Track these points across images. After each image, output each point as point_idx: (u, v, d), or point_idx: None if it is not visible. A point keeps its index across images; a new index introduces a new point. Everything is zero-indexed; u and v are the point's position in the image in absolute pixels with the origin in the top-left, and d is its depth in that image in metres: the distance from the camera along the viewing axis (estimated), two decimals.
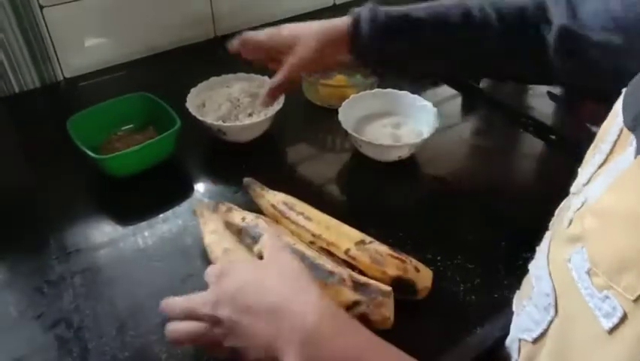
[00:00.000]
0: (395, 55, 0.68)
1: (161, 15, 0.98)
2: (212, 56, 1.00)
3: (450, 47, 0.66)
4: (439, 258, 0.62)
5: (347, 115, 0.77)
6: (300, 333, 0.42)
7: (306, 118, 0.88)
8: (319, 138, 0.82)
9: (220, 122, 0.75)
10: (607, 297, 0.31)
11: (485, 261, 0.62)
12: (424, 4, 0.67)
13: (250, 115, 0.78)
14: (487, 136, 0.84)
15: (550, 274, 0.40)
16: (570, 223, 0.37)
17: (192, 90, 0.80)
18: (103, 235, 0.67)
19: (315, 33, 0.68)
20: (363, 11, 0.66)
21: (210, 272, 0.50)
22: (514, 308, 0.50)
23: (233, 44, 0.75)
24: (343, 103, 0.78)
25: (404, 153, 0.75)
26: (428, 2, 0.67)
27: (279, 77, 0.71)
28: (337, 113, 0.76)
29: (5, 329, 0.56)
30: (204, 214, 0.63)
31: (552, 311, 0.39)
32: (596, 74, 0.60)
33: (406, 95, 0.81)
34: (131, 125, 0.78)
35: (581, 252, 0.34)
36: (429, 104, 0.78)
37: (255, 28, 1.07)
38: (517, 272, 0.60)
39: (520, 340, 0.45)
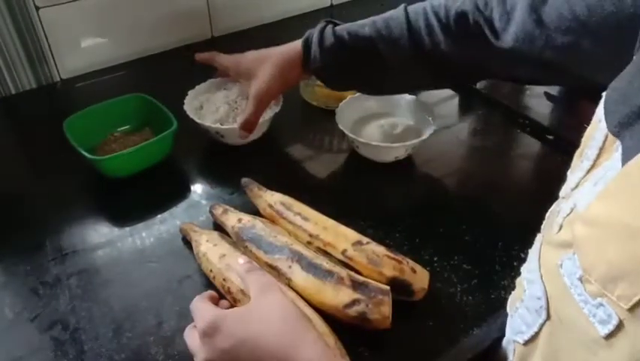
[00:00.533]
0: (350, 73, 0.69)
1: (157, 16, 0.98)
2: None
3: (399, 62, 0.65)
4: (435, 259, 0.62)
5: (344, 116, 0.77)
6: None
7: (304, 119, 0.87)
8: (316, 139, 0.82)
9: (218, 125, 0.75)
10: (601, 304, 0.31)
11: (482, 262, 0.62)
12: (371, 18, 0.67)
13: None
14: (484, 136, 0.84)
15: (541, 278, 0.40)
16: (560, 228, 0.38)
17: (190, 93, 0.79)
18: (99, 236, 0.66)
19: (274, 59, 0.71)
20: (314, 32, 0.68)
21: (200, 328, 0.45)
22: (508, 310, 0.50)
23: (201, 57, 0.79)
24: (340, 104, 0.78)
25: (401, 154, 0.75)
26: (375, 17, 0.67)
27: (247, 112, 0.71)
28: (334, 114, 0.76)
29: (1, 331, 0.56)
30: (194, 229, 0.63)
31: (544, 314, 0.39)
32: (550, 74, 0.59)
33: (402, 96, 0.81)
34: (127, 126, 0.78)
35: (572, 258, 0.34)
36: (426, 105, 0.78)
37: (251, 30, 1.09)
38: (513, 273, 0.60)
39: (514, 341, 0.46)
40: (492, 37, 0.59)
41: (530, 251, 0.45)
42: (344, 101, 0.79)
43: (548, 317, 0.39)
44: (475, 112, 0.90)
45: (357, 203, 0.71)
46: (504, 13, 0.58)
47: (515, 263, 0.61)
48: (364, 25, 0.66)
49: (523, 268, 0.46)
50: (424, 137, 0.74)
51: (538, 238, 0.45)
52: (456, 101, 0.93)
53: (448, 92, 0.93)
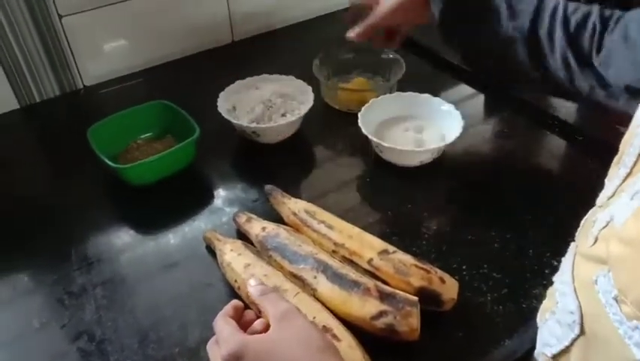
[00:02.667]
0: (463, 23, 0.69)
1: (179, 22, 0.97)
2: (230, 61, 1.00)
3: (511, 30, 0.66)
4: (464, 267, 0.61)
5: (367, 119, 0.75)
6: None
7: (326, 124, 0.86)
8: (339, 144, 0.81)
9: (255, 125, 0.75)
10: (637, 327, 0.30)
11: (512, 270, 0.61)
12: None
13: (283, 115, 0.78)
14: (511, 138, 0.82)
15: (575, 291, 0.38)
16: (595, 241, 0.36)
17: (220, 95, 0.80)
18: (123, 244, 0.66)
19: None
20: None
21: (223, 355, 0.43)
22: (537, 320, 0.48)
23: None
24: (363, 107, 0.77)
25: (426, 158, 0.73)
26: None
27: (368, 21, 0.76)
28: (357, 117, 0.75)
29: (28, 341, 0.56)
30: (218, 238, 0.63)
31: (577, 329, 0.38)
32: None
33: (427, 98, 0.79)
34: (150, 133, 0.78)
35: (607, 276, 0.33)
36: (452, 107, 0.77)
37: (272, 33, 1.08)
38: (545, 281, 0.59)
39: (542, 354, 0.44)
40: (595, 52, 0.61)
41: (563, 260, 0.44)
42: (367, 105, 0.77)
43: (582, 332, 0.37)
44: (501, 112, 0.88)
45: (382, 210, 0.70)
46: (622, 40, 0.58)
47: (547, 271, 0.60)
48: None
49: (556, 278, 0.44)
50: (450, 141, 0.72)
51: (572, 247, 0.43)
52: (480, 99, 0.91)
53: (472, 91, 0.91)
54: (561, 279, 0.42)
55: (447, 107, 0.77)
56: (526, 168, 0.77)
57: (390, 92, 0.85)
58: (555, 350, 0.41)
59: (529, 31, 0.64)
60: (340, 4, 1.15)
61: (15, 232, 0.69)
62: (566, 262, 0.42)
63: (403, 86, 0.84)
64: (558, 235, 0.62)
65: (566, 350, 0.39)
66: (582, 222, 0.44)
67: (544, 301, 0.47)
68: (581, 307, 0.37)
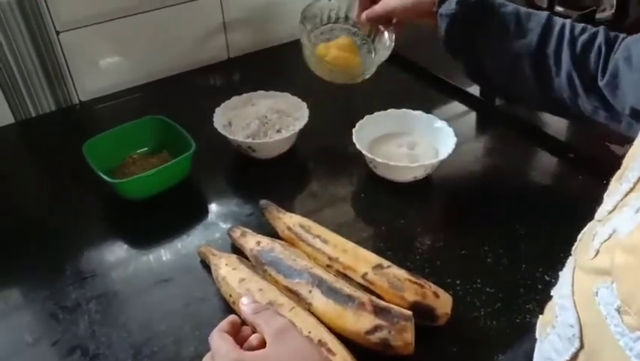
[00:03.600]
0: (470, 33, 0.68)
1: (175, 38, 0.98)
2: (226, 77, 1.01)
3: (519, 49, 0.66)
4: (457, 282, 0.61)
5: (361, 135, 0.76)
6: None
7: (321, 140, 0.86)
8: (334, 160, 0.82)
9: (250, 140, 0.76)
10: (635, 341, 0.30)
11: (505, 285, 0.61)
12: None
13: (279, 131, 0.79)
14: (503, 154, 0.83)
15: (575, 305, 0.39)
16: (596, 254, 0.36)
17: (217, 110, 0.80)
18: (118, 259, 0.66)
19: None
20: None
21: None
22: (537, 335, 0.48)
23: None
24: (358, 123, 0.77)
25: (420, 174, 0.74)
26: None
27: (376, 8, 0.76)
28: (352, 133, 0.76)
29: (20, 356, 0.56)
30: (213, 252, 0.63)
31: (577, 343, 0.38)
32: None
33: (420, 114, 0.80)
34: (145, 149, 0.79)
35: (610, 287, 0.33)
36: (444, 124, 0.78)
37: (267, 50, 1.09)
38: (538, 296, 0.59)
39: None
40: (600, 74, 0.61)
41: (562, 274, 0.44)
42: (361, 121, 0.78)
43: (582, 346, 0.37)
44: (493, 129, 0.89)
45: (376, 224, 0.70)
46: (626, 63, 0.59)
47: (540, 286, 0.60)
48: (507, 3, 0.68)
49: (555, 293, 0.45)
50: (443, 157, 0.73)
51: (571, 261, 0.44)
52: (473, 116, 0.92)
53: (464, 108, 0.92)
54: (560, 293, 0.42)
55: (440, 123, 0.78)
56: (517, 183, 0.78)
57: (374, 51, 0.83)
58: None
59: (536, 50, 0.65)
60: None
61: (9, 246, 0.69)
62: (565, 275, 0.43)
63: (397, 103, 0.84)
64: (550, 250, 0.64)
65: None
66: (580, 236, 0.44)
67: (542, 316, 0.48)
68: (580, 320, 0.38)
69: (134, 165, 0.76)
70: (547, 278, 0.60)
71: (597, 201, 0.42)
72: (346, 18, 0.86)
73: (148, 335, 0.57)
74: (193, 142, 0.72)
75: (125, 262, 0.66)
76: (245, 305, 0.48)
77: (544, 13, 0.67)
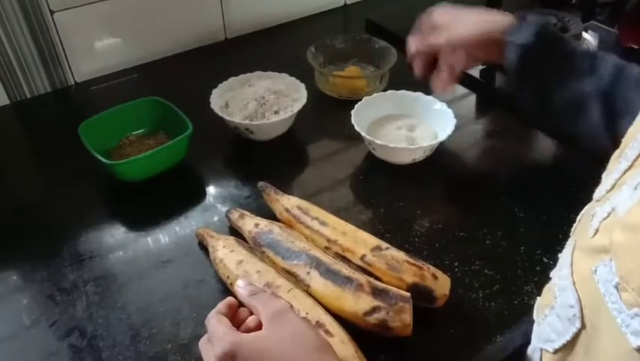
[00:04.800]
0: (540, 69, 0.65)
1: (171, 18, 0.97)
2: (223, 58, 1.00)
3: (589, 84, 0.63)
4: (456, 264, 0.61)
5: (360, 117, 0.75)
6: None
7: (319, 121, 0.86)
8: (332, 142, 0.81)
9: (248, 121, 0.75)
10: (637, 315, 0.30)
11: (504, 267, 0.61)
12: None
13: (276, 112, 0.78)
14: (502, 137, 0.82)
15: (574, 284, 0.39)
16: (595, 233, 0.36)
17: (214, 91, 0.79)
18: (115, 240, 0.66)
19: (478, 16, 0.69)
20: (530, 15, 0.66)
21: (217, 355, 0.42)
22: (534, 317, 0.48)
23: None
24: (356, 105, 0.77)
25: (419, 156, 0.73)
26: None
27: (456, 64, 0.69)
28: (351, 108, 0.75)
29: (18, 338, 0.56)
30: (211, 234, 0.62)
31: (578, 323, 0.38)
32: None
33: (420, 96, 0.79)
34: (142, 130, 0.78)
35: (608, 265, 0.33)
36: (444, 106, 0.77)
37: (265, 31, 1.08)
38: (536, 278, 0.59)
39: (541, 350, 0.44)
40: None
41: (561, 256, 0.44)
42: (360, 103, 0.78)
43: (583, 325, 0.37)
44: (492, 111, 0.88)
45: (374, 207, 0.70)
46: None
47: (538, 268, 0.60)
48: (579, 43, 0.66)
49: (554, 274, 0.45)
50: (442, 139, 0.72)
51: (570, 242, 0.43)
52: (472, 99, 0.91)
53: (464, 90, 0.92)
54: (559, 274, 0.42)
55: (439, 105, 0.78)
56: (516, 166, 0.78)
57: (381, 82, 0.87)
58: (557, 344, 0.41)
59: (607, 89, 0.62)
60: (333, 3, 1.15)
61: (5, 228, 0.68)
62: (564, 257, 0.43)
63: (396, 84, 0.84)
64: (549, 233, 0.64)
65: (568, 345, 0.39)
66: (579, 217, 0.44)
67: (539, 298, 0.48)
68: (580, 300, 0.38)
69: (131, 147, 0.75)
70: (545, 260, 0.60)
71: (596, 183, 0.42)
72: None
73: (146, 316, 0.57)
74: (190, 123, 0.71)
75: (122, 244, 0.66)
76: (241, 288, 0.48)
77: (615, 57, 0.64)
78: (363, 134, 0.73)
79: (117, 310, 0.58)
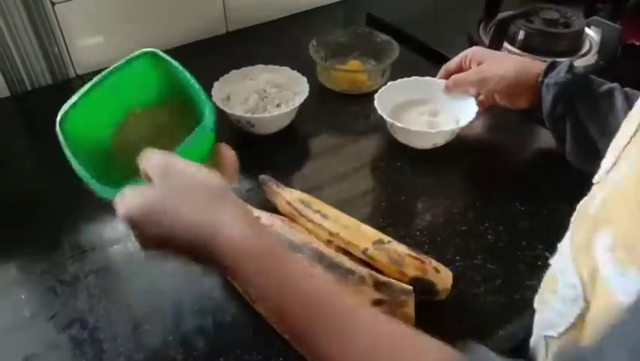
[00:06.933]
0: (574, 108, 0.65)
1: (172, 11, 0.97)
2: (224, 51, 0.99)
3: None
4: (457, 258, 0.61)
5: (384, 101, 0.75)
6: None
7: (321, 116, 0.86)
8: (333, 136, 0.81)
9: (249, 115, 0.75)
10: (624, 274, 0.31)
11: (506, 261, 0.61)
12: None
13: (278, 106, 0.78)
14: (504, 132, 0.82)
15: (574, 262, 0.39)
16: (595, 208, 0.37)
17: (215, 85, 0.79)
18: (116, 232, 0.66)
19: (514, 60, 0.72)
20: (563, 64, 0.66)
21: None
22: (535, 306, 0.48)
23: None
24: (380, 90, 0.77)
25: (439, 141, 0.73)
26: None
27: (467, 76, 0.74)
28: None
29: (18, 330, 0.56)
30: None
31: (581, 303, 0.38)
32: None
33: (444, 82, 0.79)
34: (147, 98, 0.58)
35: (606, 231, 0.34)
36: (467, 93, 0.76)
37: (266, 24, 1.07)
38: (538, 272, 0.59)
39: (545, 337, 0.44)
40: None
41: (560, 245, 0.44)
42: (384, 87, 0.77)
43: (586, 305, 0.38)
44: (493, 107, 0.88)
45: (376, 200, 0.70)
46: None
47: (539, 263, 0.60)
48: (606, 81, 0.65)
49: (553, 260, 0.45)
50: (463, 124, 0.72)
51: (569, 231, 0.44)
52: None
53: None
54: (559, 259, 0.43)
55: (464, 95, 0.76)
56: (519, 161, 0.78)
57: (383, 76, 0.87)
58: (561, 328, 0.41)
59: None
60: None
61: (6, 220, 0.68)
62: (563, 244, 0.43)
63: (397, 78, 0.83)
64: (550, 227, 0.63)
65: (572, 328, 0.39)
66: (578, 207, 0.44)
67: (540, 289, 0.48)
68: (581, 277, 0.38)
69: (140, 127, 0.57)
70: (547, 255, 0.60)
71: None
72: None
73: (147, 308, 0.57)
74: (208, 101, 0.54)
75: (123, 235, 0.65)
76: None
77: None
78: (385, 116, 0.73)
79: (118, 303, 0.58)
